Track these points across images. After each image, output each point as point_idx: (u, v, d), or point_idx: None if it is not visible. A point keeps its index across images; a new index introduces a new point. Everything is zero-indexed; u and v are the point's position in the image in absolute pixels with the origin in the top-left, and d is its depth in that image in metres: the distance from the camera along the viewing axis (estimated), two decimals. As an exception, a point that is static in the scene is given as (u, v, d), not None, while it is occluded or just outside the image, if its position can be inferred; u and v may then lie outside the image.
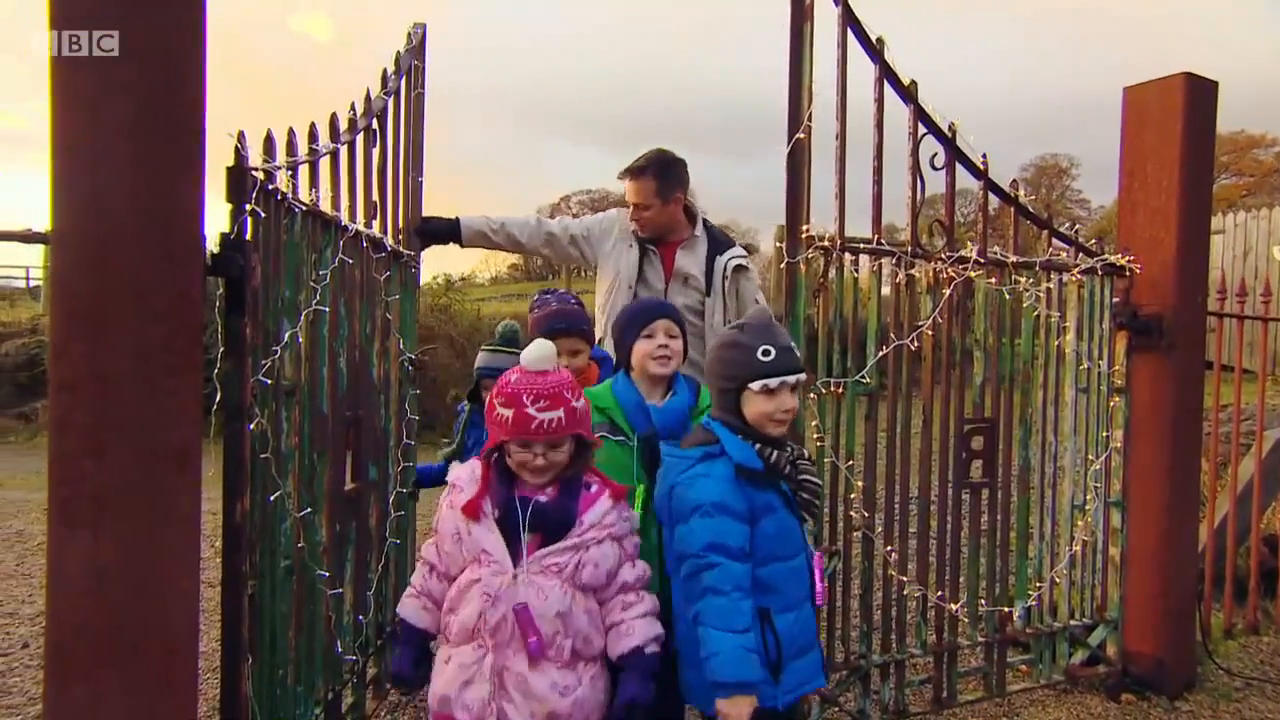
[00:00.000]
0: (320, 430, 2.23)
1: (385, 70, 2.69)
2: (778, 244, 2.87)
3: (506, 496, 1.89)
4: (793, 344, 2.01)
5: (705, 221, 3.39)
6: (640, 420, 2.27)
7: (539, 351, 1.94)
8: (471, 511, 1.88)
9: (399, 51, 2.83)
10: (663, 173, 3.24)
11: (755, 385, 1.94)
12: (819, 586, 2.10)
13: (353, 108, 2.41)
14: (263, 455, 1.93)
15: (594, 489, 1.95)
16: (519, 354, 2.97)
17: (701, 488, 1.93)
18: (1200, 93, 3.26)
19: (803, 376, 2.01)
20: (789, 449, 2.03)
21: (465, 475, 1.96)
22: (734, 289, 3.27)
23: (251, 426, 1.88)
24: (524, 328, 3.11)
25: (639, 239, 3.31)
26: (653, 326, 2.32)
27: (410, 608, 1.99)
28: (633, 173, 3.26)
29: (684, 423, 2.26)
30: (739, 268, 3.28)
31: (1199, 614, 3.55)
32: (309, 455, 2.18)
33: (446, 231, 3.23)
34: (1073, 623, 3.30)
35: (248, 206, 1.83)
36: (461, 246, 3.37)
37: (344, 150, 2.33)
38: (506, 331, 3.17)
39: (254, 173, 1.86)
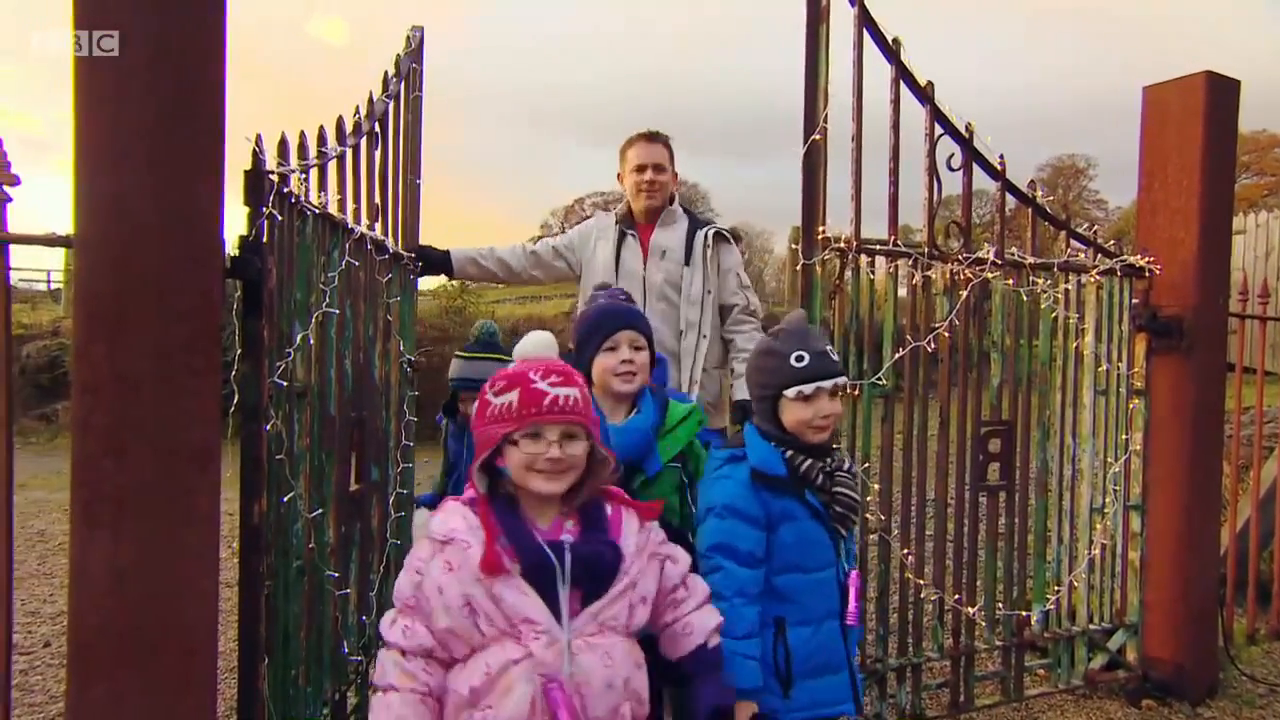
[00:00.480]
0: (328, 431, 2.24)
1: (386, 73, 2.71)
2: (793, 246, 2.86)
3: (526, 543, 1.51)
4: (829, 348, 1.95)
5: (683, 205, 3.40)
6: None
7: (537, 339, 1.65)
8: (494, 565, 1.46)
9: (398, 55, 2.85)
10: (670, 145, 3.30)
11: (790, 392, 1.90)
12: (852, 606, 1.96)
13: (356, 111, 2.43)
14: (277, 456, 1.95)
15: (610, 511, 1.64)
16: (502, 359, 2.65)
17: (719, 489, 1.92)
18: (1222, 92, 3.23)
19: (842, 380, 1.94)
20: (828, 460, 1.95)
21: (459, 525, 1.52)
22: (715, 259, 3.21)
23: (268, 428, 1.89)
24: (514, 331, 2.96)
25: (619, 220, 3.29)
26: (616, 338, 2.10)
27: (414, 715, 1.48)
28: (649, 136, 3.27)
29: (647, 444, 2.06)
30: (719, 234, 3.24)
31: (1221, 619, 3.51)
32: (318, 456, 2.19)
33: (439, 262, 3.23)
34: (1092, 627, 3.27)
35: (265, 209, 1.84)
36: (451, 277, 3.42)
37: (349, 153, 2.34)
38: (483, 333, 2.83)
39: (270, 176, 1.87)
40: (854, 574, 1.99)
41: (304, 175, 2.03)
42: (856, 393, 2.74)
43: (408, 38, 2.96)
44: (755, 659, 1.83)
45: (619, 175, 3.37)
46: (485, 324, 2.91)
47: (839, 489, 1.94)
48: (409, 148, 2.95)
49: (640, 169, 3.25)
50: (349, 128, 2.33)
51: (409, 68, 2.90)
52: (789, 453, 1.92)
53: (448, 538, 1.51)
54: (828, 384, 1.90)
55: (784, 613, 1.90)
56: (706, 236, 3.21)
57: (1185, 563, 3.26)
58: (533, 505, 1.57)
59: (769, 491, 1.90)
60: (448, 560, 1.50)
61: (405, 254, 2.90)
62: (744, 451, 1.95)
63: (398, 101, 2.78)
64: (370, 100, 2.53)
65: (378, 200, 2.59)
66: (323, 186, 2.17)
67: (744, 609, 1.83)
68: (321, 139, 2.15)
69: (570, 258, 3.40)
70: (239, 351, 1.84)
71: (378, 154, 2.59)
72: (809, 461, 1.92)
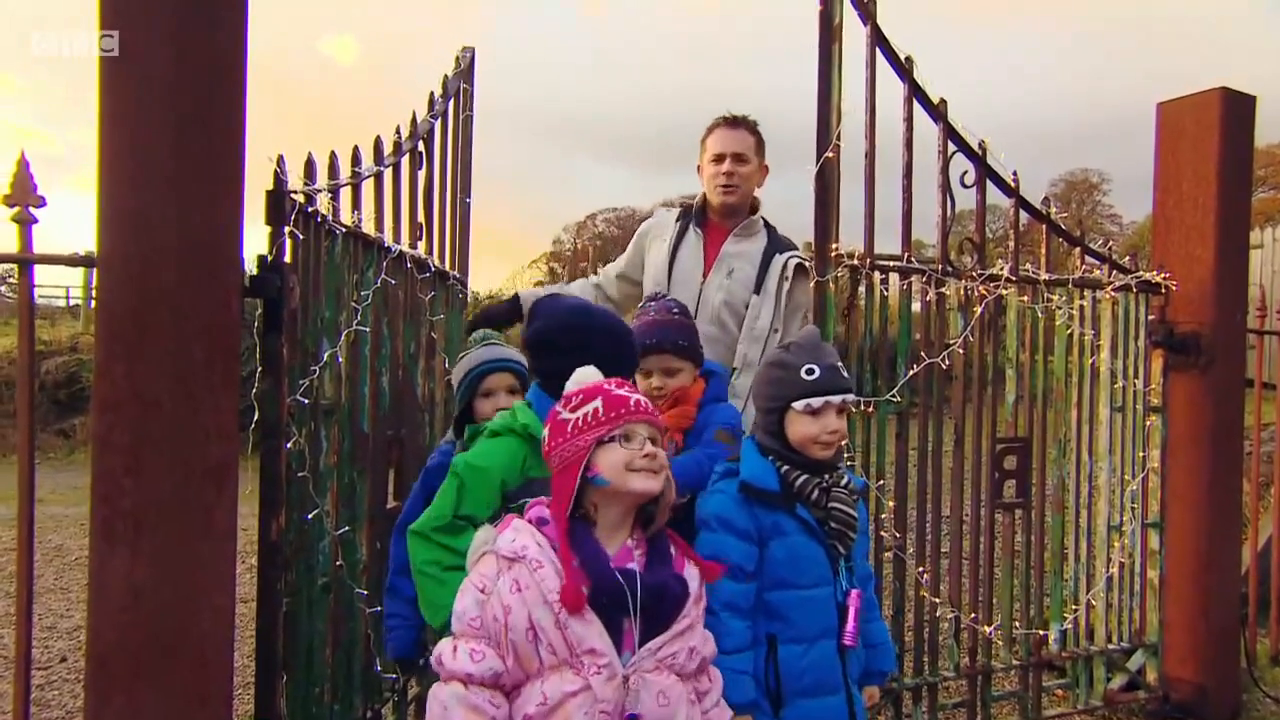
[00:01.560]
0: (361, 449, 2.25)
1: (432, 93, 2.73)
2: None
3: (599, 569, 1.43)
4: (840, 364, 1.93)
5: (765, 220, 2.97)
6: None
7: (589, 372, 1.61)
8: (574, 602, 1.38)
9: (446, 75, 2.86)
10: (758, 130, 2.88)
11: (798, 405, 1.86)
12: (849, 627, 1.89)
13: (398, 130, 2.45)
14: (300, 473, 1.96)
15: (675, 552, 1.58)
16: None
17: (712, 502, 1.91)
18: (1237, 107, 3.22)
19: (850, 397, 1.91)
20: (827, 476, 1.90)
21: (529, 543, 1.44)
22: (790, 293, 2.79)
23: (289, 445, 1.91)
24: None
25: (684, 214, 2.90)
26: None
27: None
28: (731, 121, 2.86)
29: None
30: (801, 267, 2.80)
31: (1243, 639, 3.46)
32: (349, 474, 2.20)
33: (507, 312, 2.85)
34: (1110, 646, 3.23)
35: (286, 229, 1.87)
36: (522, 320, 2.83)
37: (388, 173, 2.36)
38: (488, 334, 2.46)
39: (293, 196, 1.90)
40: (854, 594, 1.92)
41: (333, 195, 2.05)
42: (871, 409, 2.74)
43: (457, 58, 2.98)
44: (746, 673, 1.81)
45: (698, 167, 2.96)
46: (484, 330, 2.53)
47: (835, 505, 1.89)
48: (458, 167, 2.96)
49: (718, 159, 2.82)
50: (388, 147, 2.35)
51: (458, 87, 2.91)
52: (784, 467, 1.89)
53: (517, 555, 1.43)
54: (836, 399, 1.87)
55: (776, 630, 1.86)
56: (786, 266, 2.77)
57: (1205, 581, 3.22)
58: (605, 530, 1.50)
59: (760, 506, 1.87)
60: (515, 579, 1.41)
61: (452, 272, 2.90)
62: (739, 466, 1.93)
63: (444, 120, 2.80)
64: (413, 120, 2.55)
65: (421, 219, 2.61)
66: (357, 205, 2.19)
67: (732, 622, 1.81)
68: (356, 159, 2.17)
69: (634, 276, 3.03)
70: (259, 369, 1.86)
71: (421, 173, 2.61)
72: (804, 477, 1.88)
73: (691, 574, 1.56)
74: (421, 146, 2.59)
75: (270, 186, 1.87)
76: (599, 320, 1.90)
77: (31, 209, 1.76)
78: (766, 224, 2.93)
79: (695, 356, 2.23)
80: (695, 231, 2.85)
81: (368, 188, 2.24)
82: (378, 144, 2.30)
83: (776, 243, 2.86)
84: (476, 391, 2.18)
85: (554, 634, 1.39)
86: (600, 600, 1.40)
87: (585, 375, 1.59)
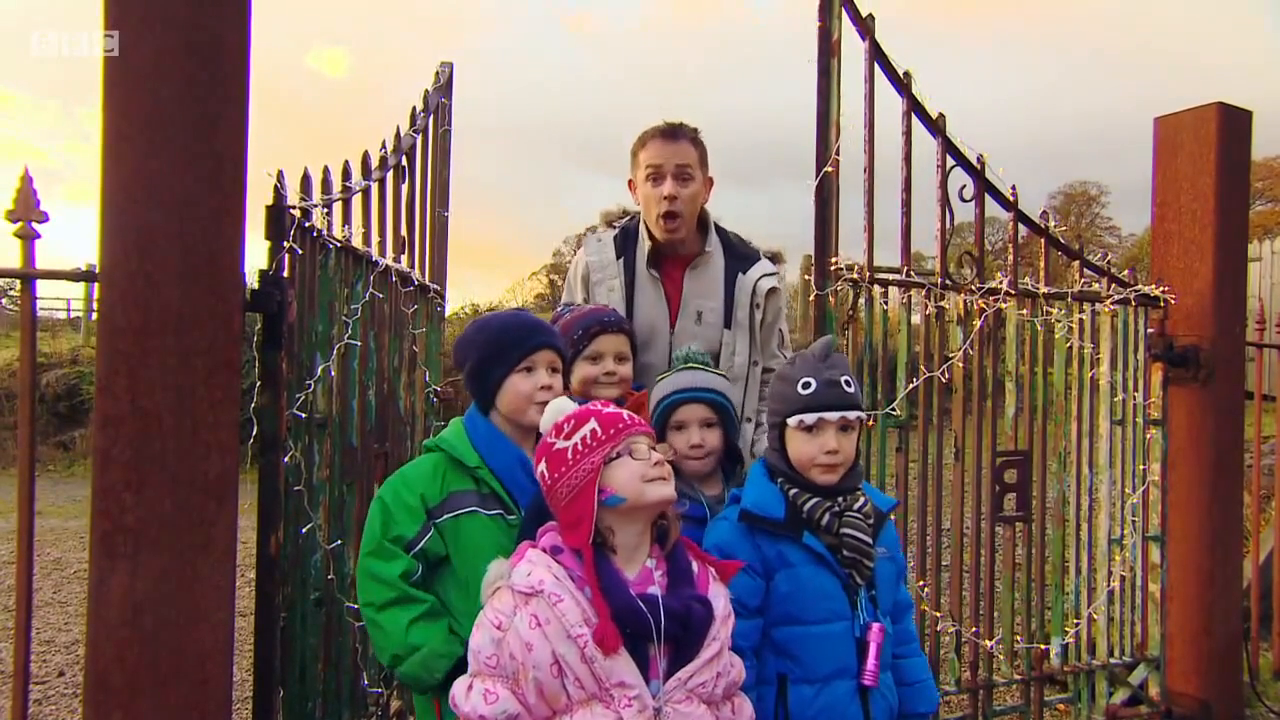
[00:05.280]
0: (350, 462, 2.26)
1: (414, 108, 2.75)
2: (805, 276, 2.86)
3: (621, 599, 1.39)
4: (845, 378, 1.75)
5: (717, 226, 2.54)
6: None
7: (563, 404, 1.58)
8: (609, 643, 1.35)
9: (427, 90, 2.88)
10: (701, 140, 2.45)
11: (792, 421, 1.72)
12: (869, 665, 1.69)
13: (383, 145, 2.47)
14: (295, 487, 1.96)
15: (696, 567, 1.53)
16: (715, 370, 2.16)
17: (715, 532, 1.78)
18: (1234, 122, 3.24)
19: (852, 414, 1.73)
20: (841, 499, 1.74)
21: (546, 576, 1.40)
22: (763, 315, 2.48)
23: (286, 459, 1.91)
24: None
25: (624, 248, 2.45)
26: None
27: None
28: (668, 132, 2.38)
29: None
30: (773, 291, 2.50)
31: (1246, 654, 3.45)
32: (339, 487, 2.20)
33: None
34: (1112, 661, 3.21)
35: (286, 244, 1.88)
36: None
37: (375, 187, 2.38)
38: (694, 354, 2.17)
39: (292, 211, 1.91)
40: (876, 628, 1.72)
41: (326, 209, 2.07)
42: (871, 423, 2.73)
43: (436, 73, 3.01)
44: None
45: (630, 183, 2.52)
46: (689, 349, 2.19)
47: (847, 531, 1.70)
48: (437, 181, 2.99)
49: (656, 175, 2.36)
50: (374, 162, 2.36)
51: (437, 102, 2.94)
52: (794, 491, 1.74)
53: (534, 590, 1.39)
54: (832, 416, 1.70)
55: (786, 669, 1.71)
56: (756, 291, 2.45)
57: (1207, 596, 3.21)
58: (624, 553, 1.47)
59: (764, 535, 1.72)
60: (534, 614, 1.38)
61: (432, 285, 2.92)
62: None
63: (425, 135, 2.82)
64: (397, 134, 2.57)
65: (404, 233, 2.63)
66: (347, 220, 2.20)
67: None
68: (346, 173, 2.19)
69: None
70: (258, 383, 1.87)
71: (404, 187, 2.63)
72: (814, 501, 1.72)
73: (716, 592, 1.51)
74: (405, 161, 2.61)
75: (269, 201, 1.88)
76: (477, 327, 1.89)
77: (34, 224, 1.77)
78: (719, 230, 2.53)
79: (635, 343, 2.22)
80: (650, 274, 2.43)
81: (356, 202, 2.26)
82: (365, 159, 2.32)
83: (736, 256, 2.50)
84: (668, 422, 1.97)
85: (580, 668, 1.35)
86: (624, 630, 1.37)
87: (561, 406, 1.57)
